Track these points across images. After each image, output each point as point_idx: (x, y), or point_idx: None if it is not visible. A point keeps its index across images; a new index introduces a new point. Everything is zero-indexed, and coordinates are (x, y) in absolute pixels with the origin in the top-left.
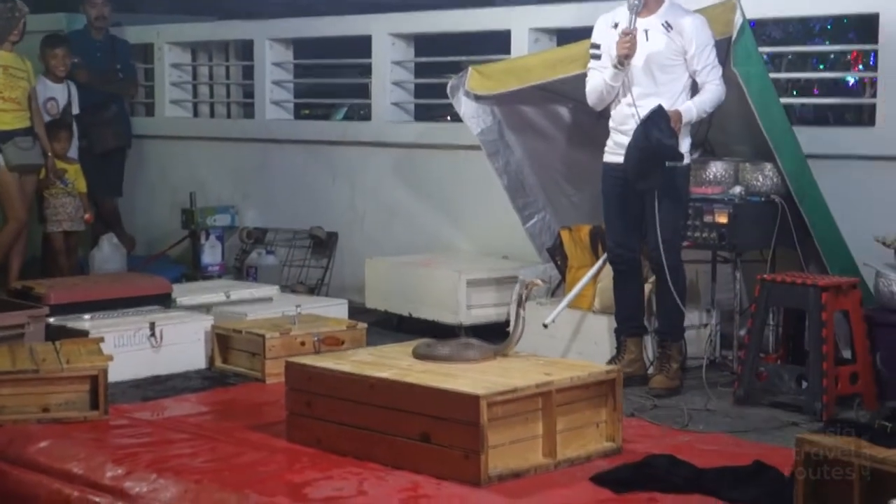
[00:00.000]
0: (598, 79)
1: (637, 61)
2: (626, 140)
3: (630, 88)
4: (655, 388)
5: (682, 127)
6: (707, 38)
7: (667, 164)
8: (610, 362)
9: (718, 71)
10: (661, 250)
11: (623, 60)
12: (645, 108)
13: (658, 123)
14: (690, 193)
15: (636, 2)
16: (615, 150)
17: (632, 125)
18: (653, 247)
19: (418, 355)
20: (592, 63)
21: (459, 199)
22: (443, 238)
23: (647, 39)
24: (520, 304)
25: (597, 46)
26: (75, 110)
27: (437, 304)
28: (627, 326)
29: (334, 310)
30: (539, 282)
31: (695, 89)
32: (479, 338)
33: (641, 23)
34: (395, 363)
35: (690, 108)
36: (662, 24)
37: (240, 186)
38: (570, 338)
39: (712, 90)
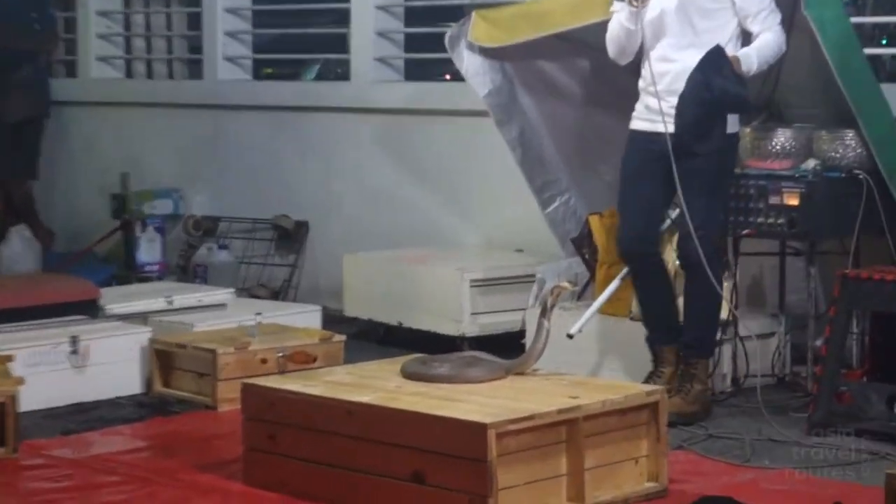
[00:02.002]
0: (615, 23)
1: (670, 4)
2: (656, 104)
3: (662, 40)
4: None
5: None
6: None
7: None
8: (647, 380)
9: (777, 16)
10: (692, 241)
11: None
12: (680, 64)
13: (720, 68)
14: (737, 169)
15: None
16: (645, 116)
17: (666, 85)
18: (682, 235)
19: (410, 374)
20: (616, 6)
21: (462, 177)
22: (441, 227)
23: None
24: (544, 313)
25: None
26: None
27: (433, 310)
28: (661, 334)
29: (304, 318)
30: (568, 285)
31: (746, 43)
32: (486, 352)
33: None
34: (380, 384)
35: (750, 56)
36: None
37: (185, 165)
38: (602, 351)
39: (772, 38)
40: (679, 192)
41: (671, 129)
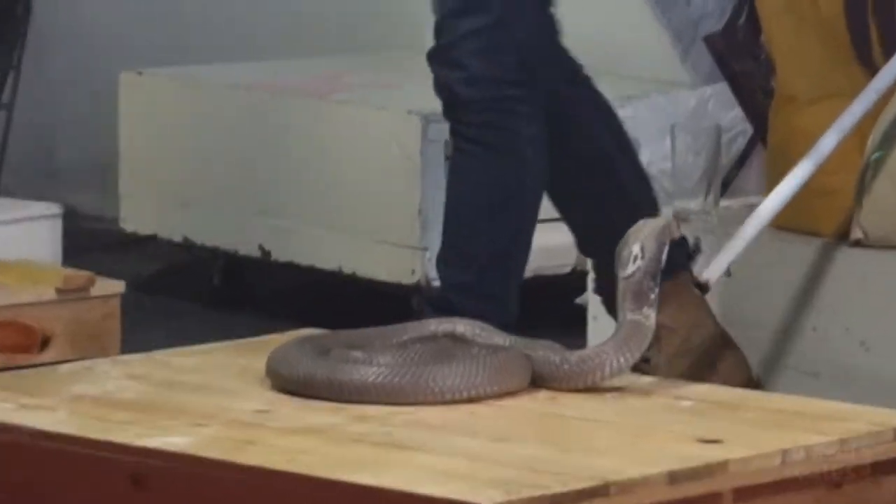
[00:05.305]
0: None
1: None
2: None
3: None
4: None
5: None
6: None
7: None
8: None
9: None
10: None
11: None
12: None
13: None
14: None
15: None
16: None
17: None
18: None
19: (290, 379)
20: None
21: None
22: (384, 13)
23: None
24: (633, 298)
25: None
26: None
27: (356, 223)
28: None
29: (24, 235)
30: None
31: None
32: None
33: None
34: (215, 405)
35: None
36: None
37: None
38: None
39: None
40: None
41: None
